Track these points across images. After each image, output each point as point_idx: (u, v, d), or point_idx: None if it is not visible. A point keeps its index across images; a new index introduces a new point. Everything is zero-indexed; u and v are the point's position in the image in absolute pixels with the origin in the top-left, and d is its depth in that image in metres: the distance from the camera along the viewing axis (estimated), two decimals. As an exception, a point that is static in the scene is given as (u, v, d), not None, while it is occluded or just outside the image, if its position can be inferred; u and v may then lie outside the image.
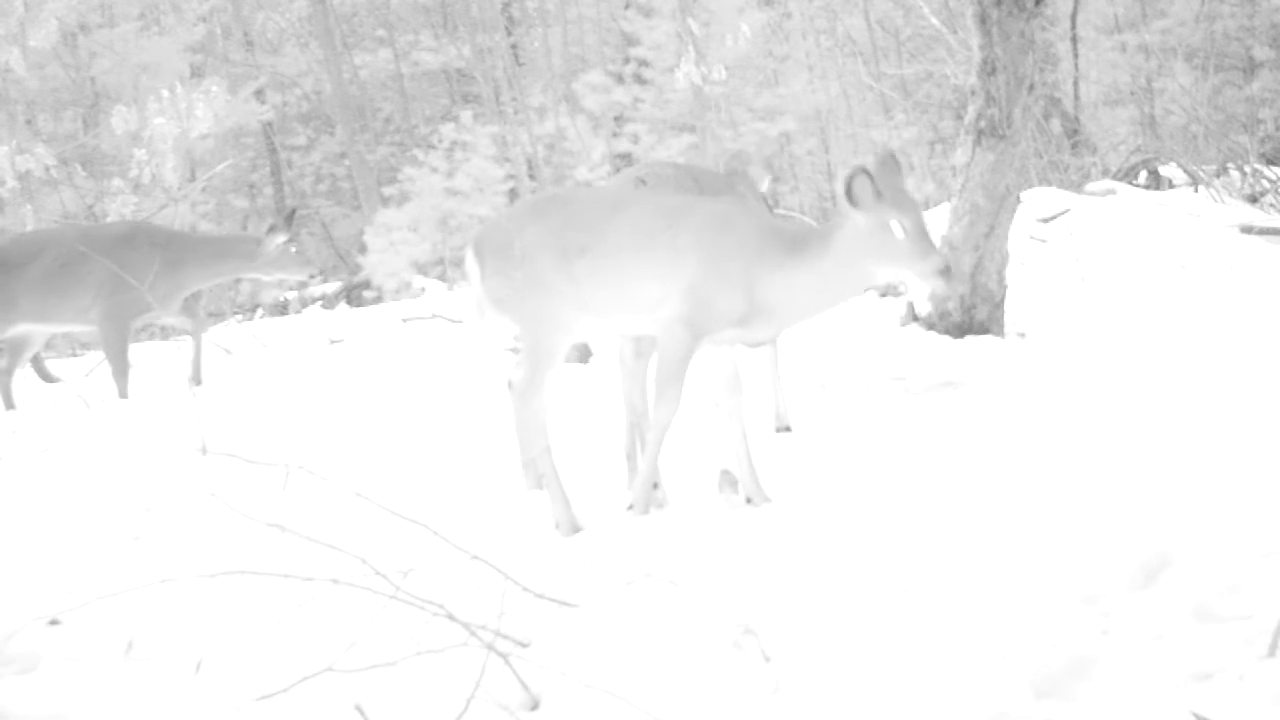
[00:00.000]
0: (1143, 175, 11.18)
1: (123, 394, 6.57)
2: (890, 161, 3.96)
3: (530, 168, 17.44)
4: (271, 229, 6.87)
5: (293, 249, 6.88)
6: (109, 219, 13.21)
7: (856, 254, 3.87)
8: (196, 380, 6.75)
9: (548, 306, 4.11)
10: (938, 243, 3.83)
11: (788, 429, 5.20)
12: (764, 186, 5.49)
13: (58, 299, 6.57)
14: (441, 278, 14.46)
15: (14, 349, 6.89)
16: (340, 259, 18.73)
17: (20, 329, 6.76)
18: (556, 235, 4.10)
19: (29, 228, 12.74)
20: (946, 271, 3.81)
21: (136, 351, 8.50)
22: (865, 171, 3.83)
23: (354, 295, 14.09)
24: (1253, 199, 10.79)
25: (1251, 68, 16.82)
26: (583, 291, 4.08)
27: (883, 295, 7.76)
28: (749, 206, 4.31)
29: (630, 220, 4.10)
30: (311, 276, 7.24)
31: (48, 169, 12.80)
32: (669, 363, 4.04)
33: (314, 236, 19.87)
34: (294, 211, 7.06)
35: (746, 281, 3.97)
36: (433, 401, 5.80)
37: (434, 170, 17.12)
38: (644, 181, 5.00)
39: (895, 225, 3.81)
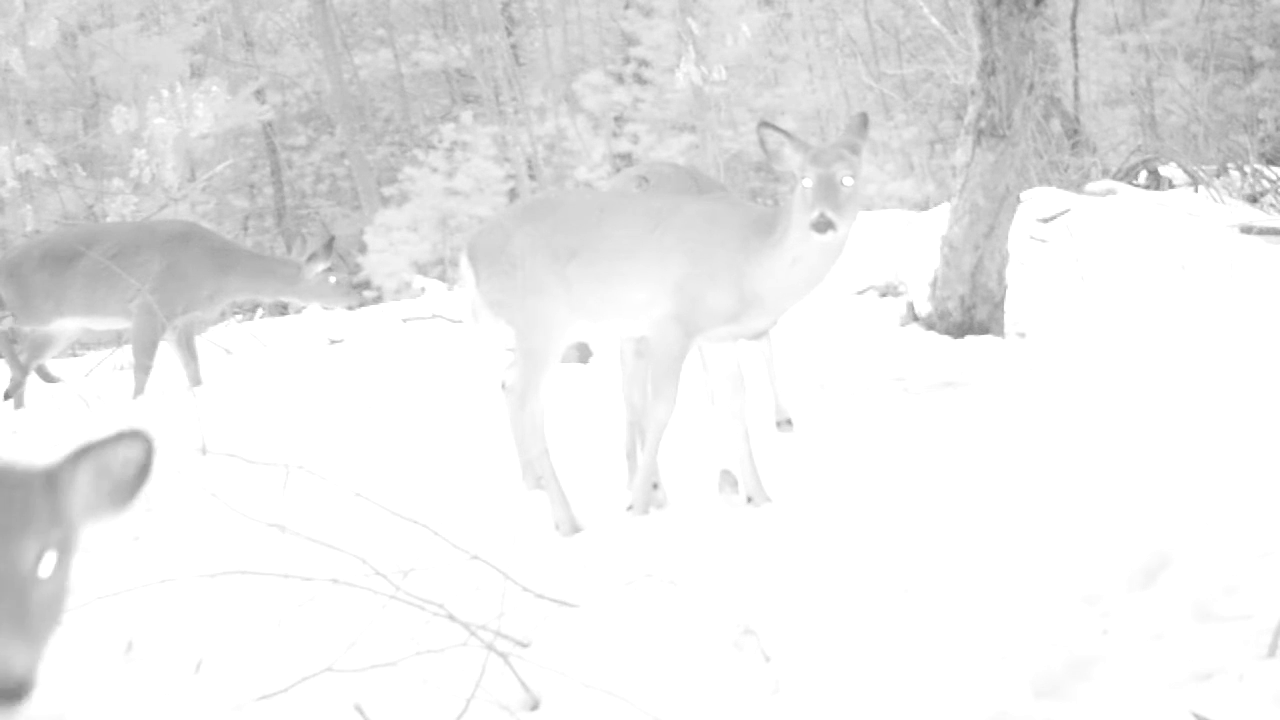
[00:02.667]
0: (1143, 175, 11.15)
1: (139, 391, 6.55)
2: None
3: (530, 168, 17.44)
4: (312, 257, 6.88)
5: (332, 279, 6.86)
6: (109, 219, 13.20)
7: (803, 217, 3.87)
8: (196, 380, 6.75)
9: (542, 309, 4.11)
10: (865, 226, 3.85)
11: (789, 422, 5.20)
12: None
13: (106, 291, 6.57)
14: (441, 278, 14.44)
15: (36, 346, 6.89)
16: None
17: (63, 323, 6.76)
18: (547, 238, 4.11)
19: (29, 228, 12.74)
20: (821, 224, 3.75)
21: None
22: (765, 124, 3.95)
23: (354, 295, 14.06)
24: (1253, 199, 10.76)
25: (1251, 68, 16.80)
26: (574, 295, 4.09)
27: (883, 295, 7.76)
28: (734, 203, 4.32)
29: (617, 223, 4.12)
30: (351, 308, 7.18)
31: (48, 169, 12.80)
32: (664, 362, 4.04)
33: (314, 237, 19.84)
34: (332, 240, 7.02)
35: (735, 276, 3.98)
36: (433, 401, 5.80)
37: (434, 170, 17.13)
38: (646, 180, 5.01)
39: (807, 179, 3.81)
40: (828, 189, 3.77)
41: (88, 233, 7.09)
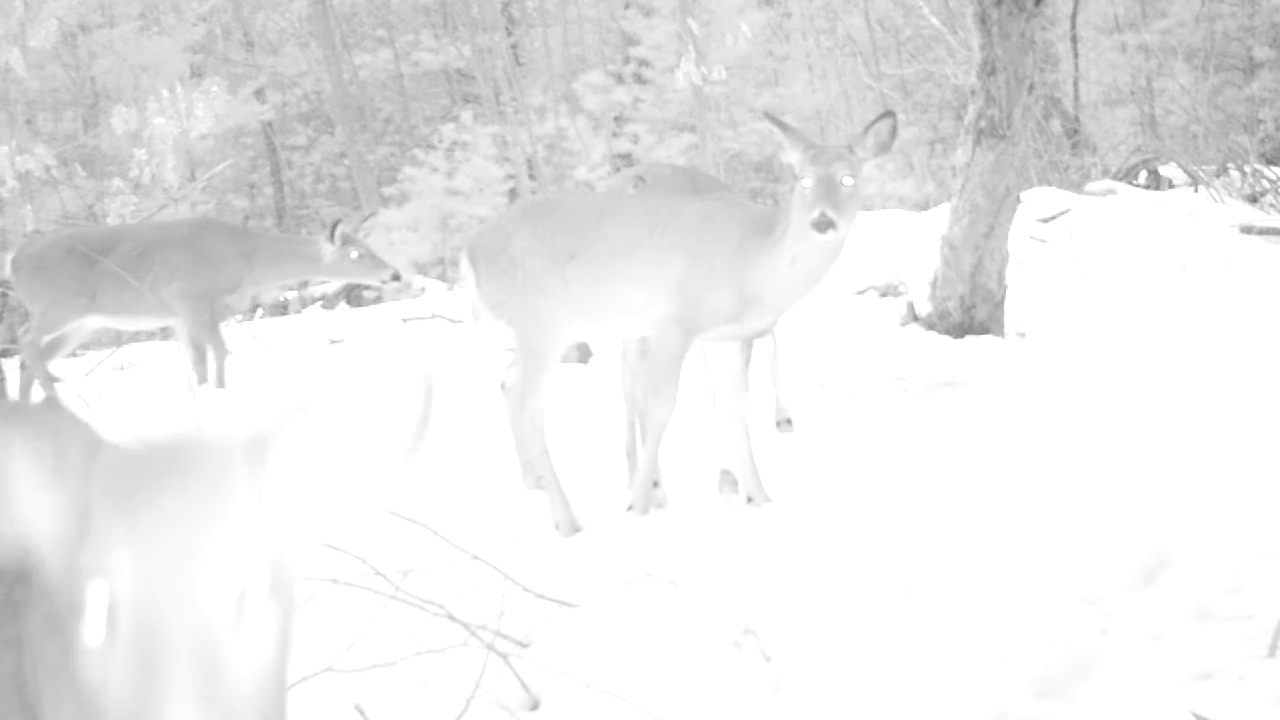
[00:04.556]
0: (1143, 175, 11.17)
1: (221, 382, 6.52)
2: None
3: (530, 168, 17.43)
4: (328, 237, 6.90)
5: (353, 254, 6.88)
6: (109, 219, 13.19)
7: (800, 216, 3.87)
8: (203, 379, 6.74)
9: (542, 310, 4.11)
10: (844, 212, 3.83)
11: (789, 421, 5.20)
12: None
13: (136, 291, 6.58)
14: (441, 278, 14.45)
15: (48, 348, 6.89)
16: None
17: (87, 320, 6.78)
18: (547, 240, 4.12)
19: (29, 228, 12.72)
20: (821, 223, 3.75)
21: (136, 351, 8.50)
22: (767, 115, 4.01)
23: (354, 295, 14.09)
24: (1253, 199, 10.78)
25: (1251, 68, 16.82)
26: (574, 295, 4.09)
27: (883, 295, 7.76)
28: (733, 203, 4.32)
29: (617, 224, 4.12)
30: (384, 281, 7.18)
31: (48, 169, 12.77)
32: (663, 362, 4.04)
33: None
34: (338, 223, 7.02)
35: (734, 276, 3.98)
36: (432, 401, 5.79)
37: (434, 170, 17.13)
38: (642, 180, 5.02)
39: (807, 178, 3.82)
40: (828, 188, 3.76)
41: (109, 235, 7.13)
